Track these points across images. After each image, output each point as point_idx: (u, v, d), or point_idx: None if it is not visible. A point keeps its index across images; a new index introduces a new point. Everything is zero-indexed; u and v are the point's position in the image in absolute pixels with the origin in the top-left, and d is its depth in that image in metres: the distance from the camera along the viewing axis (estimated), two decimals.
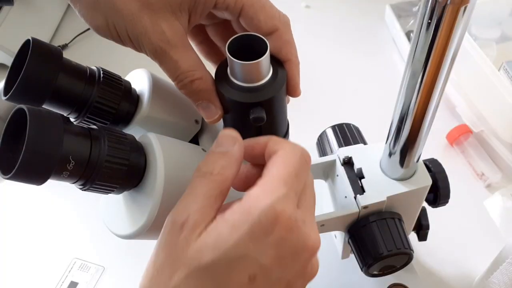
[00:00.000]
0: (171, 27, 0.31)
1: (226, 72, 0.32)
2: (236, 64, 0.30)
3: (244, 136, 0.34)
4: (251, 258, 0.26)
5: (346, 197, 0.43)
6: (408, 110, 0.36)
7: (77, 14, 0.31)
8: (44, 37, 0.89)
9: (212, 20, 0.37)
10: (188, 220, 0.27)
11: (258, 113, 0.31)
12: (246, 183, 0.31)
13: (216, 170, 0.29)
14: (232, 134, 0.30)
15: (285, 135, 0.37)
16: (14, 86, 0.30)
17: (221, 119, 0.34)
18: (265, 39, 0.31)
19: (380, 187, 0.42)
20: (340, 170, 0.44)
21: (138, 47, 0.32)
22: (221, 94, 0.32)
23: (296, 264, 0.28)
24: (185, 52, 0.32)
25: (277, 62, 0.33)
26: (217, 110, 0.33)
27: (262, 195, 0.27)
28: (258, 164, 0.31)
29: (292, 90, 0.35)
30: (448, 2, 0.27)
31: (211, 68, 0.34)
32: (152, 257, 0.29)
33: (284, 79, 0.33)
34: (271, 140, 0.30)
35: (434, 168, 0.45)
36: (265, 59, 0.30)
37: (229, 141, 0.30)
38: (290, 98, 0.36)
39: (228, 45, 0.30)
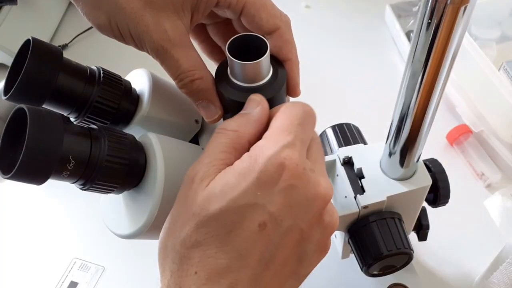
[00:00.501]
0: (173, 26, 0.31)
1: (226, 72, 0.32)
2: (236, 64, 0.30)
3: None
4: (260, 205, 0.26)
5: (346, 197, 0.43)
6: (408, 110, 0.36)
7: (80, 12, 0.31)
8: (44, 37, 0.89)
9: (213, 19, 0.37)
10: (198, 173, 0.28)
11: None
12: None
13: (230, 126, 0.30)
14: (256, 98, 0.31)
15: None
16: (14, 86, 0.30)
17: (221, 119, 0.34)
18: (265, 39, 0.31)
19: (380, 187, 0.42)
20: (340, 170, 0.44)
21: (139, 46, 0.32)
22: (221, 94, 0.32)
23: (308, 212, 0.28)
24: (187, 51, 0.32)
25: (277, 62, 0.33)
26: (217, 110, 0.33)
27: (267, 144, 0.28)
28: None
29: (292, 90, 0.35)
30: (448, 2, 0.27)
31: (213, 67, 0.34)
32: (170, 212, 0.29)
33: (284, 79, 0.33)
34: (275, 108, 0.31)
35: (434, 168, 0.45)
36: (265, 59, 0.30)
37: (253, 105, 0.31)
38: (290, 98, 0.36)
39: (228, 45, 0.30)
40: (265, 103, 0.31)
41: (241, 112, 0.31)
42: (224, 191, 0.26)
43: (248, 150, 0.29)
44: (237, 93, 0.31)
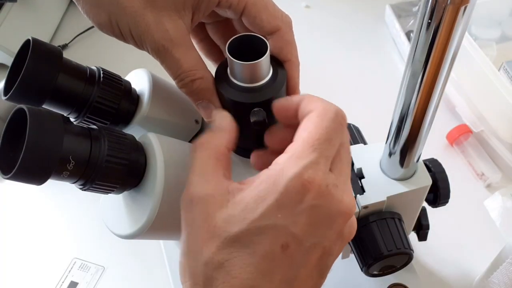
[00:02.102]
0: (174, 26, 0.31)
1: (226, 72, 0.32)
2: (236, 64, 0.30)
3: (243, 137, 0.34)
4: (281, 227, 0.26)
5: None
6: (408, 110, 0.36)
7: (80, 10, 0.31)
8: (44, 37, 0.89)
9: (214, 19, 0.37)
10: (194, 195, 0.27)
11: (259, 117, 0.31)
12: (281, 145, 0.31)
13: (205, 140, 0.30)
14: (219, 111, 0.32)
15: None
16: (14, 86, 0.30)
17: None
18: (266, 40, 0.31)
19: (380, 187, 0.42)
20: None
21: (140, 45, 0.32)
22: (221, 94, 0.32)
23: (331, 229, 0.28)
24: (187, 51, 0.32)
25: (277, 63, 0.33)
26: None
27: (289, 162, 0.26)
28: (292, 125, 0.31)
29: (291, 90, 0.35)
30: (448, 2, 0.27)
31: (211, 67, 0.34)
32: (182, 236, 0.29)
33: (284, 80, 0.33)
34: (304, 100, 0.29)
35: (434, 168, 0.45)
36: (265, 59, 0.30)
37: (215, 117, 0.31)
38: None
39: (228, 45, 0.30)
40: (221, 110, 0.32)
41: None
42: (244, 214, 0.26)
43: (229, 157, 0.29)
44: (237, 93, 0.31)
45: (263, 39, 0.31)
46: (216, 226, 0.26)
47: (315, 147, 0.27)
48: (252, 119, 0.31)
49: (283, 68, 0.33)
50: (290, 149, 0.27)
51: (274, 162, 0.27)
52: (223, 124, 0.31)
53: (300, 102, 0.30)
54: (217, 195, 0.27)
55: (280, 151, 0.28)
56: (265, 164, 0.28)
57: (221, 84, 0.32)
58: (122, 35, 0.31)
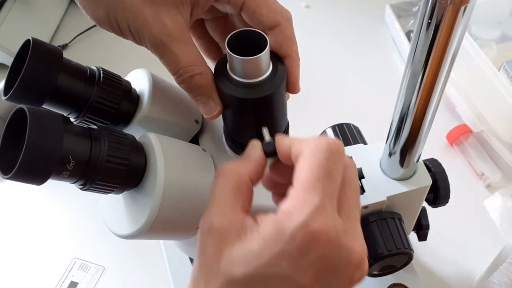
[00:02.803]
0: (173, 21, 0.31)
1: (225, 68, 0.32)
2: (235, 60, 0.30)
3: (243, 132, 0.34)
4: (287, 277, 0.25)
5: None
6: (408, 110, 0.36)
7: (79, 5, 0.31)
8: (44, 37, 0.89)
9: (213, 14, 0.37)
10: (212, 225, 0.27)
11: (270, 148, 0.31)
12: (274, 180, 0.31)
13: (229, 168, 0.29)
14: (252, 142, 0.31)
15: (285, 133, 0.37)
16: (14, 86, 0.30)
17: (220, 115, 0.34)
18: (265, 35, 0.31)
19: (380, 187, 0.42)
20: None
21: (138, 40, 0.31)
22: (220, 90, 0.32)
23: (340, 278, 0.26)
24: (186, 46, 0.31)
25: (277, 58, 0.33)
26: (216, 106, 0.33)
27: (294, 210, 0.25)
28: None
29: (291, 86, 0.34)
30: (448, 2, 0.27)
31: (211, 66, 0.34)
32: (194, 262, 0.28)
33: (284, 76, 0.32)
34: (293, 143, 0.29)
35: (434, 168, 0.45)
36: (264, 55, 0.30)
37: (249, 149, 0.31)
38: (290, 96, 0.36)
39: (228, 40, 0.30)
40: (256, 142, 0.31)
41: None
42: (248, 258, 0.25)
43: (251, 188, 0.29)
44: (237, 89, 0.31)
45: (262, 35, 0.31)
46: (223, 263, 0.25)
47: (315, 188, 0.26)
48: (264, 149, 0.31)
49: (283, 64, 0.33)
50: (293, 195, 0.26)
51: (280, 209, 0.26)
52: (252, 154, 0.30)
53: (290, 145, 0.29)
54: (231, 230, 0.26)
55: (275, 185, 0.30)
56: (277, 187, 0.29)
57: (221, 80, 0.32)
58: (120, 31, 0.31)
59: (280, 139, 0.31)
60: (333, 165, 0.27)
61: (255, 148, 0.31)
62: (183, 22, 0.31)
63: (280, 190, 0.32)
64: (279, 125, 0.35)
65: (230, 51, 0.30)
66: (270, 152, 0.31)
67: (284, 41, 0.33)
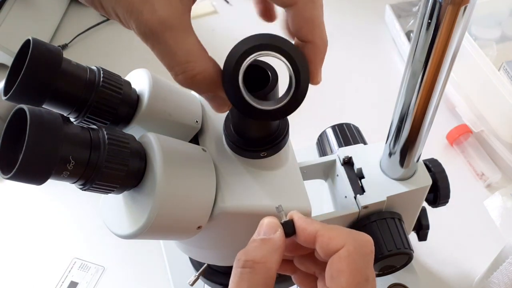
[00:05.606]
0: (167, 3, 0.25)
1: (238, 83, 0.28)
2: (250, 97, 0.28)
3: (249, 130, 0.34)
4: None
5: (346, 197, 0.43)
6: (408, 110, 0.36)
7: None
8: (44, 37, 0.89)
9: None
10: None
11: (288, 229, 0.30)
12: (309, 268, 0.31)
13: (257, 257, 0.27)
14: (273, 221, 0.29)
15: (285, 133, 0.36)
16: (14, 86, 0.30)
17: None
18: (273, 68, 0.30)
19: (380, 187, 0.42)
20: (340, 170, 0.44)
21: (126, 26, 0.26)
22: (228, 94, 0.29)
23: None
24: (183, 36, 0.25)
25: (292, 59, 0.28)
26: (225, 101, 0.29)
27: None
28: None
29: (311, 77, 0.30)
30: (448, 2, 0.27)
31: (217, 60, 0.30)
32: None
33: (303, 98, 0.30)
34: (321, 232, 0.28)
35: (434, 168, 0.45)
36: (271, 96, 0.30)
37: (270, 229, 0.28)
38: None
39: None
40: (281, 227, 0.29)
41: (260, 237, 0.28)
42: None
43: (275, 276, 0.27)
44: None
45: (271, 67, 0.30)
46: None
47: None
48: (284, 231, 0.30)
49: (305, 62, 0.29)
50: None
51: None
52: (275, 240, 0.28)
53: (317, 233, 0.28)
54: None
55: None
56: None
57: (230, 91, 0.28)
58: (107, 14, 0.26)
59: (302, 223, 0.29)
60: (370, 270, 0.27)
61: (276, 230, 0.28)
62: (179, 5, 0.25)
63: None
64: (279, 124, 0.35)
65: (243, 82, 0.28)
66: (289, 233, 0.29)
67: (304, 23, 0.27)
